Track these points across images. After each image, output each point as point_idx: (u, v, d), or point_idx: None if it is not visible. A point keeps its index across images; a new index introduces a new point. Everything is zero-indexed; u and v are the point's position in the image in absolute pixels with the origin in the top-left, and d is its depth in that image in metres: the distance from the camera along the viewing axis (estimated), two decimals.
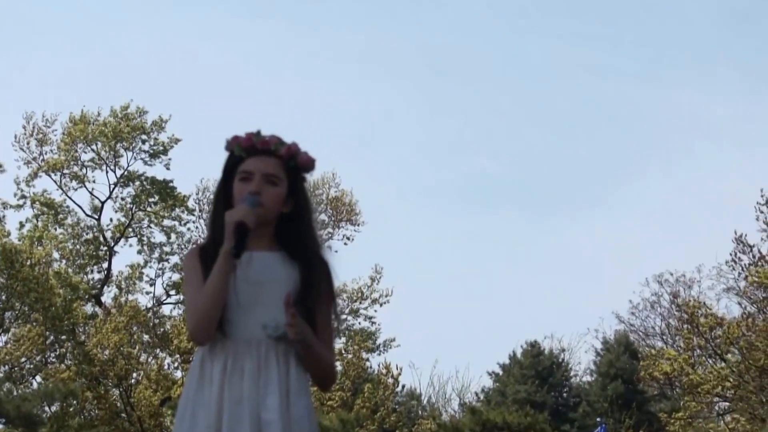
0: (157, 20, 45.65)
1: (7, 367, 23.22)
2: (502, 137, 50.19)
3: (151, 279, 29.29)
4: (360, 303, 30.61)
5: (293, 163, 3.36)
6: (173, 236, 28.84)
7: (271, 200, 3.29)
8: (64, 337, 24.25)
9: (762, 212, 19.79)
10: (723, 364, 20.07)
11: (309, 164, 3.40)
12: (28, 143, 27.92)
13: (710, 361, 20.61)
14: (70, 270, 27.47)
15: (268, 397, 3.14)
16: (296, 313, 3.15)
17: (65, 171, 27.82)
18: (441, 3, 49.61)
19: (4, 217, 28.09)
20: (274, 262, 3.30)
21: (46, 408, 20.81)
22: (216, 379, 3.17)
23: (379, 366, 24.12)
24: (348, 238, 30.53)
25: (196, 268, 3.25)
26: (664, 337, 33.30)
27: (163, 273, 29.14)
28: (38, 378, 23.84)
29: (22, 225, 28.44)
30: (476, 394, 36.01)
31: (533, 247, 48.61)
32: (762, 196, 19.76)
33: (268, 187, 3.30)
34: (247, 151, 3.35)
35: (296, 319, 3.14)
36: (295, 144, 3.38)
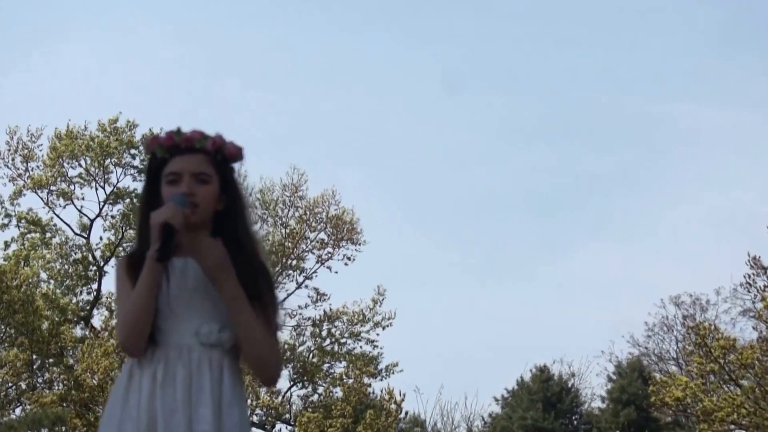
0: (145, 30, 45.37)
1: None
2: (510, 154, 49.67)
3: None
4: (361, 326, 29.81)
5: (220, 156, 3.23)
6: None
7: (206, 199, 3.17)
8: (51, 360, 23.79)
9: None
10: (738, 390, 19.50)
11: (236, 154, 3.27)
12: (12, 159, 27.13)
13: (725, 387, 20.03)
14: (58, 291, 26.88)
15: (201, 407, 3.03)
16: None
17: (52, 188, 27.10)
18: (448, 13, 49.18)
19: None
20: None
21: None
22: (145, 389, 3.05)
23: (381, 391, 24.09)
24: (349, 258, 29.53)
25: (124, 278, 3.15)
26: (679, 362, 32.68)
27: None
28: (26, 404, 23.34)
29: (7, 245, 27.67)
30: (483, 419, 35.38)
31: (544, 267, 47.98)
32: None
33: (200, 186, 3.17)
34: (170, 152, 3.22)
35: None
36: (220, 136, 3.25)
